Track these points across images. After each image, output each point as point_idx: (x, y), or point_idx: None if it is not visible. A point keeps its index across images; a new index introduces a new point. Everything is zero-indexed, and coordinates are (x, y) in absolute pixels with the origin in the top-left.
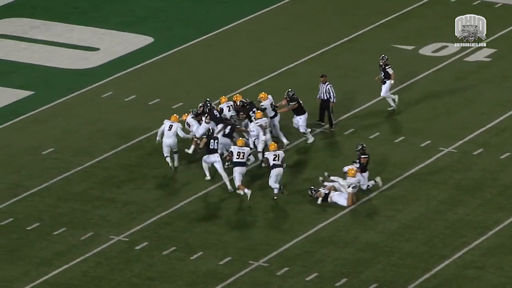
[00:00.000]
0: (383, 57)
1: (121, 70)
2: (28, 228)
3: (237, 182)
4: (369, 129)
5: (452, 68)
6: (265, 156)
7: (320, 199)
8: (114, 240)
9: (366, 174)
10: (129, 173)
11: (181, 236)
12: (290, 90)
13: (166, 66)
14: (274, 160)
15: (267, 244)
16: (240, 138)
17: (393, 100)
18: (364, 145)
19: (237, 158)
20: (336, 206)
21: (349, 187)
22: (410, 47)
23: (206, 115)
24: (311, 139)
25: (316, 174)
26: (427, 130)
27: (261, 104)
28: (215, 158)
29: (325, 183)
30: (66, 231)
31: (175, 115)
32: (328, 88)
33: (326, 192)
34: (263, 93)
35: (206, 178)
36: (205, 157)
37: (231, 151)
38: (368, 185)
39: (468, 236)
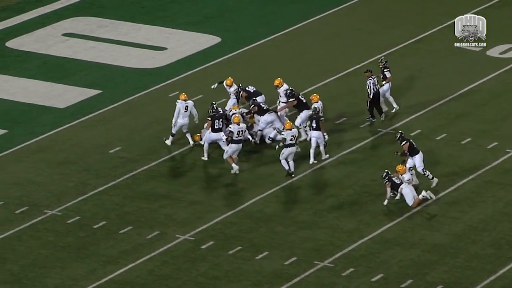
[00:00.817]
0: (382, 60)
1: (188, 70)
2: (95, 227)
3: (226, 155)
4: (435, 130)
5: None
6: (283, 135)
7: (386, 201)
8: (180, 239)
9: (419, 155)
10: (195, 173)
11: (246, 236)
12: (288, 88)
13: (233, 66)
14: (290, 140)
15: (333, 244)
16: (237, 115)
17: (392, 104)
18: (402, 132)
19: (236, 137)
20: (402, 208)
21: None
22: (477, 49)
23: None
24: (303, 137)
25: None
26: (494, 132)
27: (278, 90)
28: (219, 137)
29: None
30: (132, 230)
31: (184, 93)
32: (368, 83)
33: (398, 182)
34: (278, 79)
35: (203, 158)
36: (208, 135)
37: (231, 131)
38: (424, 170)
39: None
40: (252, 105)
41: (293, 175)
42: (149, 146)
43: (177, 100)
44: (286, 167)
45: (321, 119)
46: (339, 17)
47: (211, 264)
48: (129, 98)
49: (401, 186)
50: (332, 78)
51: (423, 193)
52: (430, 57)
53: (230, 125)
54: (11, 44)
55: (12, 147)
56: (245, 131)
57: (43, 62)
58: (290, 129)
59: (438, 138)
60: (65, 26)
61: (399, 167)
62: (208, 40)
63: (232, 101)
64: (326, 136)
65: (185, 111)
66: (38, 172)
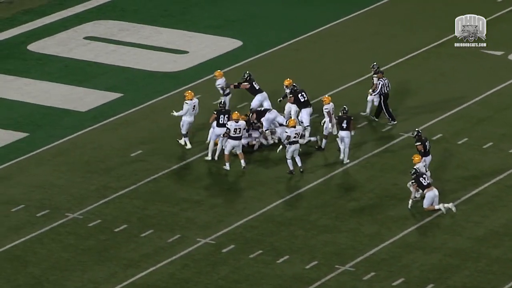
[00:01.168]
0: (373, 65)
1: (209, 73)
2: (116, 230)
3: (226, 151)
4: (457, 134)
5: None
6: (287, 133)
7: (410, 201)
8: (201, 243)
9: (428, 158)
10: (216, 176)
11: (267, 239)
12: (293, 84)
13: (254, 69)
14: (294, 137)
15: (354, 248)
16: (235, 112)
17: (370, 108)
18: (420, 131)
19: (234, 134)
20: (423, 213)
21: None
22: (499, 53)
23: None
24: (306, 138)
25: (404, 178)
26: None
27: (286, 90)
28: (221, 132)
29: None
30: (153, 233)
31: (190, 92)
32: (377, 83)
33: (424, 184)
34: (288, 79)
35: (206, 158)
36: (212, 130)
37: (228, 128)
38: (427, 170)
39: None
40: (251, 114)
41: (301, 170)
42: (170, 149)
43: (186, 101)
44: (291, 167)
45: (352, 118)
46: (360, 21)
47: (232, 267)
48: (151, 102)
49: (430, 188)
50: (353, 82)
51: (443, 207)
52: (452, 61)
53: (228, 122)
54: (33, 47)
55: (33, 150)
56: (243, 129)
57: (64, 65)
58: (294, 127)
59: (460, 142)
60: (87, 30)
61: (415, 157)
62: (229, 44)
63: (222, 97)
64: (353, 132)
65: (192, 110)
66: (60, 175)
